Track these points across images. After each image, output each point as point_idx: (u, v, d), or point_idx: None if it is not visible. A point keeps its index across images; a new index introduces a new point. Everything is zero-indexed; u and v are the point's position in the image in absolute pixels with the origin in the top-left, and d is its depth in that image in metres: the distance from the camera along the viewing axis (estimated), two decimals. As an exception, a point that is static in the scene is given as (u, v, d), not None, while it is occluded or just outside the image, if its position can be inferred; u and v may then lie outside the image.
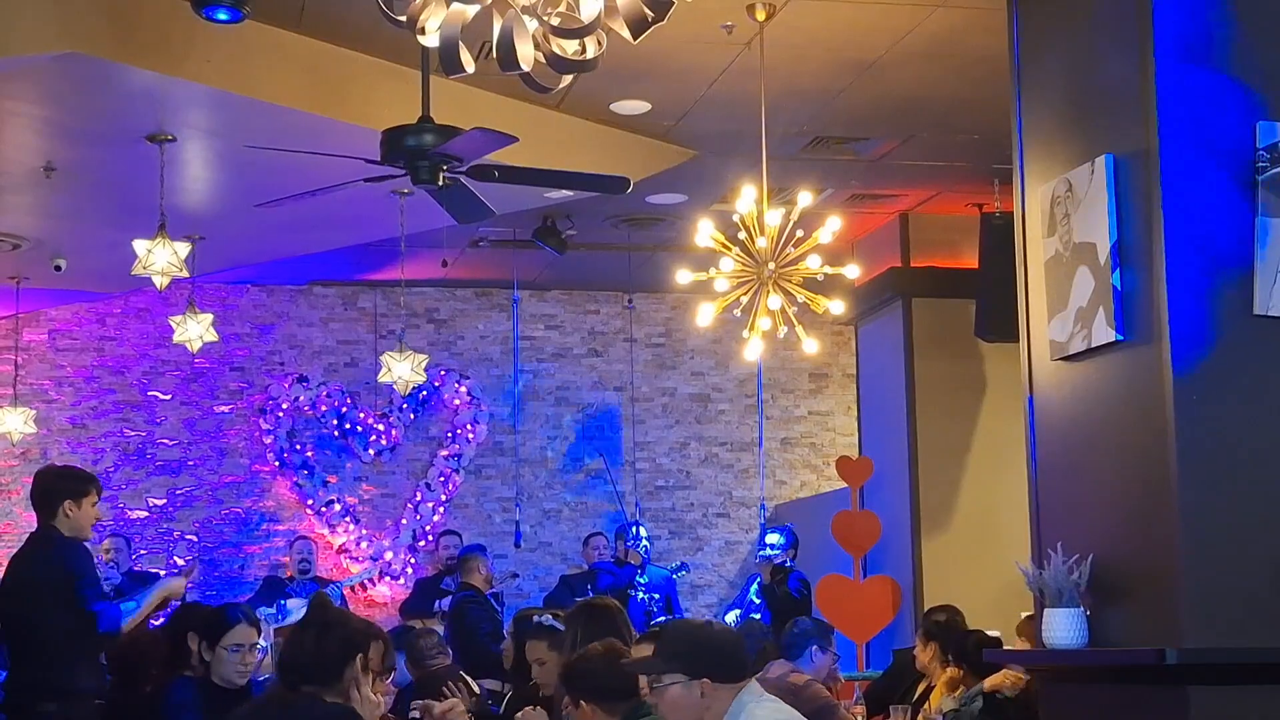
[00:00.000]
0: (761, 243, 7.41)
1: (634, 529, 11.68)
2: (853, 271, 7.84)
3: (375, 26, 6.67)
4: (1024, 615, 7.23)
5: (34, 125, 8.32)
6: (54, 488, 6.44)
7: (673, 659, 4.04)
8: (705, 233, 7.56)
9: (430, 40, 3.58)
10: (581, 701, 4.37)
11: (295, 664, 3.81)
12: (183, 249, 8.43)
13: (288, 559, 12.02)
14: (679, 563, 12.35)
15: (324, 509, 12.55)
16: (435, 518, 12.72)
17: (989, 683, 6.62)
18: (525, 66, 3.48)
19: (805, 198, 7.56)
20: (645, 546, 11.51)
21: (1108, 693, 5.20)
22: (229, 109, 8.07)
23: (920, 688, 7.53)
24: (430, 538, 12.57)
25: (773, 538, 11.41)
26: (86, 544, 6.55)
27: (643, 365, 13.28)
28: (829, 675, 7.28)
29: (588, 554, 12.11)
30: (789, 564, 11.20)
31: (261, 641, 5.60)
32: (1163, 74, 4.96)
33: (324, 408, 12.69)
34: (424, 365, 10.40)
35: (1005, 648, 7.40)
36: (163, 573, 12.12)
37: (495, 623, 9.81)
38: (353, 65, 8.16)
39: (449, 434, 12.91)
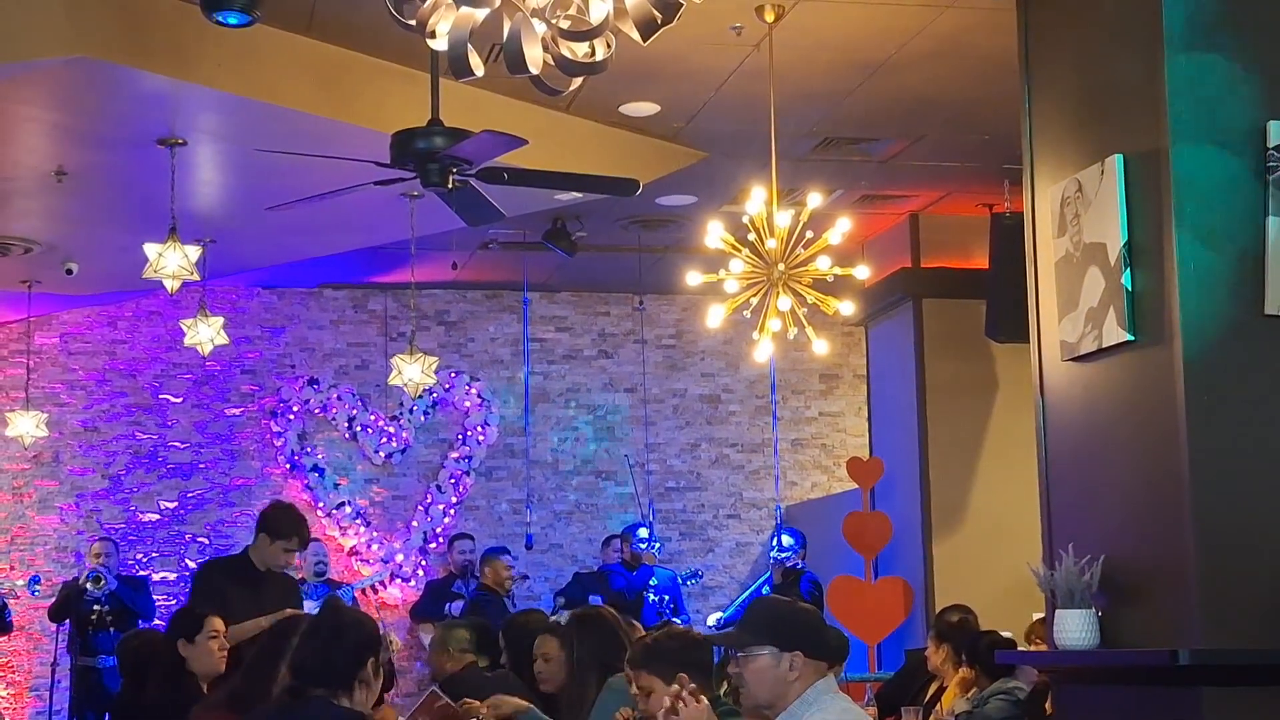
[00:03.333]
0: (771, 244, 7.40)
1: (639, 531, 11.68)
2: (863, 272, 7.83)
3: (384, 30, 6.67)
4: (1036, 617, 7.22)
5: (45, 129, 8.34)
6: (261, 518, 7.00)
7: (763, 632, 4.09)
8: (715, 234, 7.56)
9: (439, 43, 3.58)
10: (682, 674, 4.37)
11: (307, 667, 3.79)
12: (193, 252, 8.44)
13: (301, 561, 12.02)
14: (691, 570, 12.35)
15: (335, 511, 12.57)
16: (446, 520, 12.73)
17: None
18: (534, 69, 3.48)
19: (815, 199, 7.56)
20: (658, 547, 11.52)
21: (1120, 694, 5.20)
22: (239, 113, 8.08)
23: (932, 689, 7.52)
24: (441, 540, 12.59)
25: (785, 539, 11.41)
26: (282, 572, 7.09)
27: (653, 367, 13.28)
28: None
29: (607, 555, 12.13)
30: (800, 565, 11.21)
31: None
32: (1173, 73, 4.95)
33: (334, 410, 12.71)
34: (434, 367, 10.41)
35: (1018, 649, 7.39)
36: (174, 575, 12.19)
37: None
38: (362, 68, 8.17)
39: (459, 436, 12.92)
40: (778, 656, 4.04)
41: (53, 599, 11.15)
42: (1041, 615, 6.86)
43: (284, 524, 6.86)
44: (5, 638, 11.63)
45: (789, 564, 11.13)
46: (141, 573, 12.00)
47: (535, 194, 8.78)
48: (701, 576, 12.52)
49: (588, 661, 5.28)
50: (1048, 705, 6.37)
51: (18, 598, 11.65)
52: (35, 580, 11.52)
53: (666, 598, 11.22)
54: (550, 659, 5.89)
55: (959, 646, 7.20)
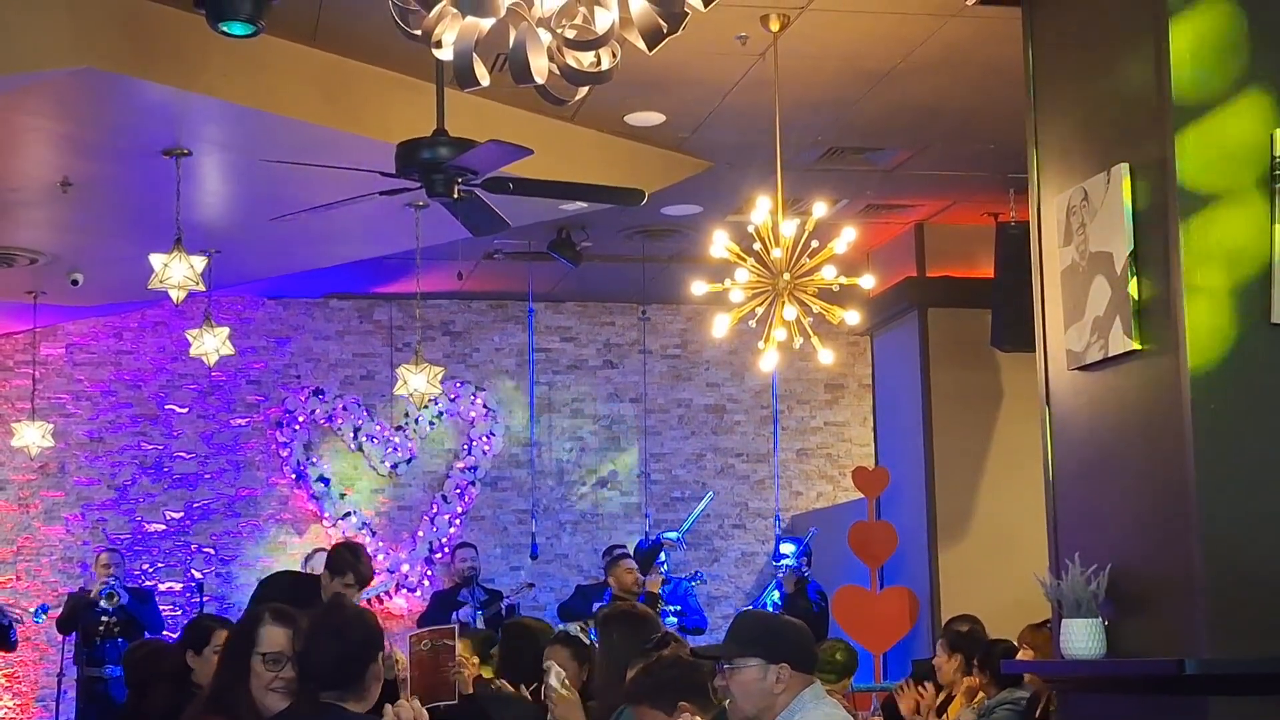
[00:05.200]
0: (776, 254, 7.40)
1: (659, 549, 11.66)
2: (868, 282, 7.83)
3: (390, 40, 6.65)
4: (1028, 625, 7.20)
5: (51, 140, 8.35)
6: (327, 556, 7.00)
7: (751, 644, 4.10)
8: (720, 244, 7.56)
9: (444, 53, 3.58)
10: (683, 703, 4.37)
11: (317, 670, 3.73)
12: (199, 263, 8.45)
13: (310, 570, 12.00)
14: (694, 572, 12.30)
15: (340, 521, 12.56)
16: (451, 530, 12.73)
17: None
18: (539, 79, 3.48)
19: (820, 208, 7.56)
20: (665, 569, 11.46)
21: (1126, 703, 5.19)
22: (244, 123, 8.09)
23: (939, 699, 7.51)
24: (446, 550, 12.59)
25: (786, 548, 11.40)
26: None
27: (658, 377, 13.28)
28: None
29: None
30: (807, 574, 11.18)
31: None
32: (1178, 81, 4.95)
33: (340, 420, 12.71)
34: (439, 378, 10.42)
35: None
36: (180, 585, 12.19)
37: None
38: (367, 78, 8.17)
39: (465, 446, 12.92)
40: (765, 668, 4.05)
41: (59, 608, 11.14)
42: (1033, 622, 6.87)
43: (341, 560, 6.81)
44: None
45: (801, 572, 11.09)
46: (148, 583, 12.01)
47: (540, 204, 8.78)
48: (704, 579, 12.41)
49: (621, 653, 5.22)
50: (1038, 712, 6.39)
51: (23, 624, 11.57)
52: (43, 609, 11.45)
53: (678, 607, 11.15)
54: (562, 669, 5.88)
55: (970, 656, 7.21)
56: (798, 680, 4.07)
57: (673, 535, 11.89)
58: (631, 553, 11.98)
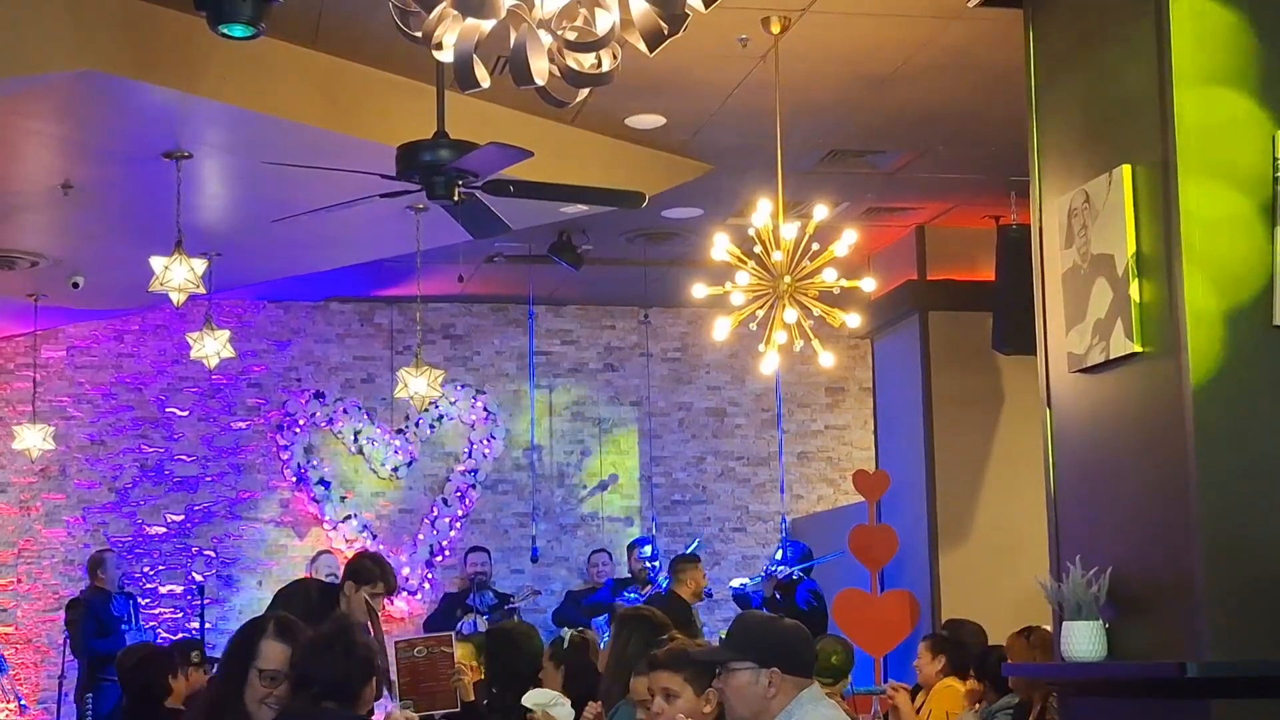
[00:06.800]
0: (777, 256, 7.40)
1: (644, 548, 11.63)
2: (869, 285, 7.83)
3: (390, 42, 6.68)
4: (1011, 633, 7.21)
5: (52, 143, 8.35)
6: (346, 567, 6.91)
7: (744, 648, 4.11)
8: (721, 247, 7.56)
9: (445, 55, 3.57)
10: (709, 689, 4.38)
11: (320, 679, 3.82)
12: (199, 265, 8.45)
13: (311, 573, 11.99)
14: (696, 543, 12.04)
15: (341, 524, 12.56)
16: (452, 533, 12.73)
17: None
18: (540, 81, 3.47)
19: (821, 211, 7.56)
20: (657, 564, 11.42)
21: (1127, 706, 5.18)
22: (245, 126, 8.09)
23: (918, 701, 7.52)
24: (447, 553, 12.59)
25: (777, 554, 11.39)
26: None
27: (659, 380, 13.27)
28: None
29: (596, 571, 12.14)
30: (797, 575, 11.14)
31: None
32: (1181, 83, 4.94)
33: (341, 424, 12.71)
34: (440, 381, 10.42)
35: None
36: (180, 588, 12.18)
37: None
38: (368, 81, 8.18)
39: (466, 449, 12.92)
40: (756, 673, 4.05)
41: (59, 612, 11.08)
42: (1031, 625, 6.87)
43: (368, 571, 6.72)
44: (13, 650, 11.65)
45: (780, 576, 11.05)
46: (148, 585, 12.01)
47: (541, 207, 8.78)
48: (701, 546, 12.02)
49: (632, 656, 5.22)
50: (1031, 717, 6.40)
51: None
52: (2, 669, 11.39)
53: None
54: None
55: (953, 659, 7.28)
56: (791, 684, 4.06)
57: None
58: (626, 551, 11.99)
